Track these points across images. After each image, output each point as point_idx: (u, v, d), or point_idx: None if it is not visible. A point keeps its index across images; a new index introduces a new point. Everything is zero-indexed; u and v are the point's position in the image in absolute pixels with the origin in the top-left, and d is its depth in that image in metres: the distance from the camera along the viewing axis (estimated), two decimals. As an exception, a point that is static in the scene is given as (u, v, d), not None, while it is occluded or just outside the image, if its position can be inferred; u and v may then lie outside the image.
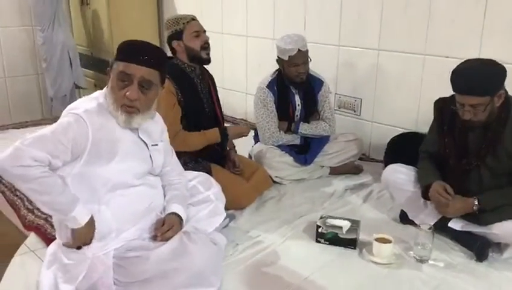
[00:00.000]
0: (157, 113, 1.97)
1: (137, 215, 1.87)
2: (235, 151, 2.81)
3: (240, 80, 4.26)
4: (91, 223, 1.74)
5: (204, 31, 2.58)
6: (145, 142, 1.89)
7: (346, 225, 2.21)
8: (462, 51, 2.79)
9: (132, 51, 1.76)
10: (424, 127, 3.05)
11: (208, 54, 2.57)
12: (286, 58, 2.83)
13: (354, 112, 3.49)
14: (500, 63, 2.04)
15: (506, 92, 2.07)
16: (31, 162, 1.60)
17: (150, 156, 1.92)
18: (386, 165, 3.11)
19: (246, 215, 2.50)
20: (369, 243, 2.15)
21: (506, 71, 2.01)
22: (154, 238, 1.85)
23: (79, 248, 1.77)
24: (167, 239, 1.80)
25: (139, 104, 1.75)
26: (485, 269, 2.04)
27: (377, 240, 2.10)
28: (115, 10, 4.55)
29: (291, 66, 2.84)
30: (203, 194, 2.17)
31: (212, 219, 2.07)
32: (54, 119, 1.83)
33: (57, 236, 1.88)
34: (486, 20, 2.70)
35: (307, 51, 2.86)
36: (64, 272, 1.77)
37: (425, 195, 2.25)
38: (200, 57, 2.53)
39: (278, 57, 2.92)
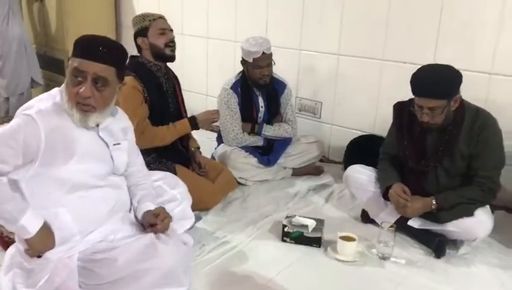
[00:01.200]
0: (120, 111, 1.91)
1: (102, 217, 1.82)
2: (200, 153, 2.80)
3: (200, 81, 4.25)
4: (45, 230, 1.66)
5: (171, 30, 2.57)
6: (105, 142, 1.82)
7: (311, 223, 2.25)
8: (418, 57, 2.91)
9: (86, 46, 1.67)
10: (381, 130, 3.17)
11: (173, 51, 2.55)
12: (250, 60, 2.86)
13: (315, 115, 3.56)
14: (455, 68, 2.16)
15: (460, 96, 2.19)
16: None
17: (112, 156, 1.86)
18: (345, 167, 3.21)
19: (211, 217, 2.50)
20: (334, 241, 2.20)
21: (461, 76, 2.13)
22: (150, 228, 1.82)
23: (39, 256, 1.70)
24: (166, 228, 1.80)
25: (94, 101, 1.67)
26: (443, 264, 2.14)
27: (342, 238, 2.16)
28: (69, 7, 4.43)
29: (256, 68, 2.87)
30: (169, 194, 2.15)
31: (183, 221, 2.05)
32: (11, 119, 1.75)
33: (16, 240, 1.80)
34: (441, 27, 2.84)
35: (271, 54, 2.90)
36: (24, 277, 1.70)
37: (386, 196, 2.34)
38: (164, 54, 2.51)
39: (242, 58, 2.94)
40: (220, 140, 3.13)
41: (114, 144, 1.86)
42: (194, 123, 2.58)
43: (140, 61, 2.52)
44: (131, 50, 2.59)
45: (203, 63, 4.21)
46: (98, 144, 1.80)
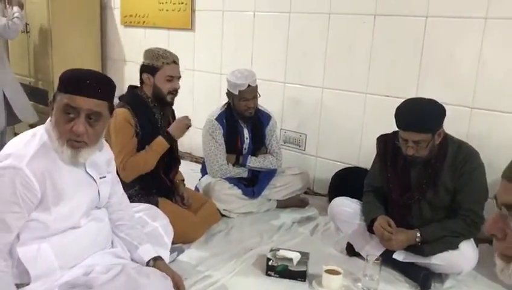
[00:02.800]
0: (104, 143, 1.88)
1: (84, 252, 1.78)
2: (184, 185, 2.77)
3: (186, 113, 4.21)
4: None
5: (179, 78, 2.55)
6: (93, 177, 1.79)
7: (296, 257, 2.22)
8: (401, 91, 2.96)
9: (77, 81, 1.61)
10: (365, 162, 3.18)
11: (173, 99, 2.54)
12: (236, 92, 2.87)
13: (299, 146, 3.57)
14: (439, 103, 2.19)
15: (444, 130, 2.21)
16: None
17: (98, 191, 1.83)
18: (330, 199, 3.20)
19: (194, 249, 2.45)
20: (319, 275, 2.17)
21: (445, 110, 2.16)
22: None
23: None
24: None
25: (87, 137, 1.63)
26: (428, 299, 2.12)
27: (327, 271, 2.13)
28: (55, 38, 4.43)
29: (241, 101, 2.88)
30: (150, 226, 2.11)
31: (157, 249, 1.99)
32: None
33: None
34: (422, 62, 2.90)
35: (256, 86, 2.92)
36: None
37: (370, 229, 2.33)
38: (164, 99, 2.50)
39: (228, 90, 2.96)
40: (204, 171, 3.11)
41: (100, 178, 1.83)
42: (169, 137, 2.50)
43: (139, 94, 2.50)
44: (117, 82, 2.60)
45: (189, 95, 4.22)
46: (86, 181, 1.77)
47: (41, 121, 1.77)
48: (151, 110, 2.50)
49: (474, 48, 2.70)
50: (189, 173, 3.32)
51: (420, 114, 2.12)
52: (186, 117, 2.59)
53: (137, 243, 1.92)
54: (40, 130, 1.70)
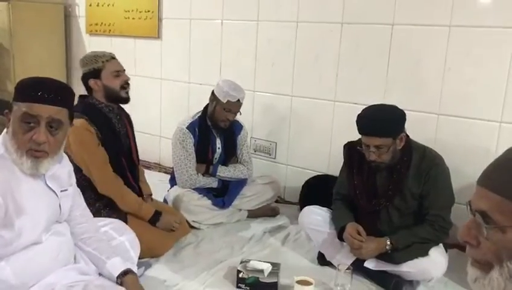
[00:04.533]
0: (64, 155, 1.81)
1: (44, 270, 1.70)
2: (152, 199, 2.69)
3: (154, 123, 4.17)
4: None
5: (124, 70, 2.49)
6: (53, 190, 1.72)
7: (267, 268, 2.19)
8: (369, 98, 2.96)
9: (36, 89, 1.56)
10: (335, 170, 3.15)
11: (127, 93, 2.48)
12: (224, 100, 2.82)
13: (270, 155, 3.55)
14: (400, 108, 2.21)
15: (407, 135, 2.23)
16: None
17: (60, 204, 1.76)
18: (301, 208, 3.18)
19: (162, 264, 2.38)
20: (290, 286, 2.14)
21: (405, 115, 2.20)
22: None
23: None
24: None
25: (48, 147, 1.58)
26: (400, 306, 2.11)
27: (298, 282, 2.09)
28: (17, 46, 4.29)
29: (225, 110, 2.84)
30: (116, 240, 2.04)
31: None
32: None
33: None
34: (389, 69, 2.92)
35: (241, 104, 2.89)
36: None
37: (340, 237, 2.31)
38: (120, 96, 2.43)
39: (213, 95, 2.89)
40: (172, 182, 3.04)
41: (61, 191, 1.76)
42: (156, 218, 2.50)
43: (91, 102, 2.42)
44: (82, 90, 2.52)
45: (157, 104, 4.16)
46: (46, 195, 1.70)
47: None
48: (107, 116, 2.43)
49: (439, 55, 2.74)
50: (157, 184, 3.26)
51: (380, 119, 2.15)
52: (180, 223, 2.62)
53: (106, 258, 1.85)
54: None
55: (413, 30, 2.81)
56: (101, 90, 2.40)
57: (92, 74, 2.40)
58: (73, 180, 1.88)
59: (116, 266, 1.84)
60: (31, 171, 1.59)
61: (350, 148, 2.42)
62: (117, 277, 1.82)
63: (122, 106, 2.57)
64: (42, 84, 1.60)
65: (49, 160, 1.61)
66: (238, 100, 2.85)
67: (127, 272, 1.84)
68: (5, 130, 1.62)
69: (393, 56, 2.91)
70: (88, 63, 2.41)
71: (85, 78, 2.42)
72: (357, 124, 2.21)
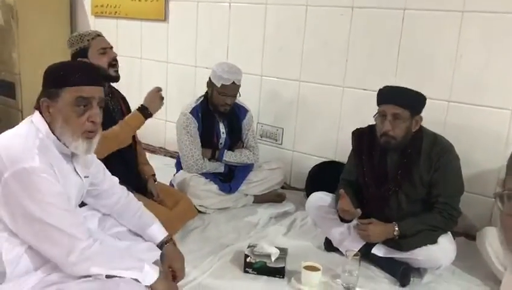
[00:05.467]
0: None
1: None
2: (155, 180, 2.67)
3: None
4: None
5: (111, 47, 2.42)
6: (79, 175, 1.73)
7: (275, 252, 2.17)
8: (378, 84, 2.92)
9: (84, 72, 1.62)
10: (343, 156, 3.14)
11: (117, 72, 2.41)
12: (218, 85, 2.79)
13: (276, 141, 3.52)
14: (422, 94, 2.21)
15: (421, 118, 2.21)
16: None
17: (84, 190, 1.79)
18: (307, 194, 3.17)
19: (169, 247, 2.36)
20: (297, 271, 2.13)
21: (426, 99, 2.19)
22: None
23: None
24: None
25: (98, 127, 1.65)
26: (408, 294, 2.10)
27: (306, 268, 2.08)
28: (22, 28, 4.24)
29: (220, 94, 2.81)
30: (125, 226, 2.02)
31: (149, 253, 1.92)
32: None
33: None
34: (400, 55, 2.88)
35: (239, 86, 2.85)
36: None
37: (341, 217, 2.30)
38: (108, 75, 2.36)
39: (209, 80, 2.87)
40: (179, 166, 3.02)
41: (85, 177, 1.78)
42: (145, 110, 2.38)
43: None
44: None
45: (162, 87, 4.10)
46: (76, 178, 1.72)
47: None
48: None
49: (451, 42, 2.70)
50: (163, 168, 3.25)
51: (403, 90, 2.20)
52: (158, 88, 2.47)
53: (147, 223, 1.93)
54: (27, 129, 1.59)
55: (425, 15, 2.76)
56: None
57: (79, 54, 2.34)
58: (94, 167, 1.88)
59: (155, 234, 1.91)
60: (85, 152, 1.63)
61: (359, 135, 2.40)
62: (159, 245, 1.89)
63: (121, 89, 2.50)
64: (86, 67, 1.72)
65: (96, 140, 1.66)
66: (233, 82, 2.81)
67: (167, 241, 1.90)
68: (31, 117, 1.62)
69: (404, 41, 2.87)
70: (74, 43, 2.35)
71: (73, 59, 2.36)
72: (378, 94, 2.24)
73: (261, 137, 3.55)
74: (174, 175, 3.02)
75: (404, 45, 2.87)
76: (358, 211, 2.19)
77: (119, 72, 2.45)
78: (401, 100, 2.14)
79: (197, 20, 3.79)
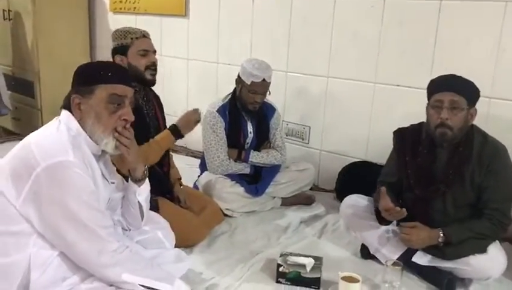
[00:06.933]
0: None
1: None
2: (181, 184, 2.55)
3: (180, 104, 4.02)
4: None
5: (154, 52, 2.33)
6: (106, 178, 1.68)
7: (309, 262, 2.04)
8: (413, 80, 2.79)
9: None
10: (374, 156, 3.02)
11: (153, 76, 2.31)
12: (248, 82, 2.66)
13: (303, 140, 3.38)
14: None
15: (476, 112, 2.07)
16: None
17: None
18: (337, 195, 3.04)
19: (196, 254, 2.24)
20: (333, 281, 1.99)
21: (480, 92, 2.05)
22: None
23: None
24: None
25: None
26: (454, 306, 1.95)
27: (344, 278, 1.94)
28: (41, 26, 4.16)
29: (250, 92, 2.68)
30: (149, 233, 1.92)
31: (179, 264, 1.82)
32: None
33: None
34: (436, 49, 2.72)
35: (269, 83, 2.72)
36: None
37: (380, 219, 2.15)
38: (144, 77, 2.26)
39: (238, 76, 2.75)
40: (203, 167, 2.91)
41: (111, 182, 1.72)
42: (177, 132, 2.30)
43: None
44: None
45: (183, 85, 4.01)
46: (105, 183, 1.67)
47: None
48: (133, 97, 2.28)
49: (493, 34, 2.52)
50: (185, 169, 3.13)
51: (460, 77, 2.05)
52: (196, 111, 2.40)
53: None
54: (58, 125, 1.55)
55: (464, 6, 2.59)
56: (126, 68, 2.25)
57: (119, 50, 2.26)
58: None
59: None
60: (114, 151, 1.61)
61: (401, 135, 2.25)
62: None
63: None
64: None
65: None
66: (264, 80, 2.68)
67: None
68: (60, 115, 1.58)
69: (440, 34, 2.70)
70: (117, 38, 2.27)
71: (113, 54, 2.29)
72: (431, 84, 2.11)
73: (287, 136, 3.42)
74: (199, 177, 2.90)
75: (441, 37, 2.70)
76: (404, 210, 2.03)
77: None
78: (458, 87, 2.01)
79: (219, 14, 3.66)
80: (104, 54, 4.61)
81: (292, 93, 3.37)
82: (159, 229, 1.94)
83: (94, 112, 1.55)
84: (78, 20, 4.48)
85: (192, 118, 2.35)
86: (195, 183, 2.90)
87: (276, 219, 2.72)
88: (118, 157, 1.75)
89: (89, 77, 1.57)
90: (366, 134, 3.08)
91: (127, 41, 2.24)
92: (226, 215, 2.67)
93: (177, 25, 3.93)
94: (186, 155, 3.86)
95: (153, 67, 2.30)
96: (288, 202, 2.91)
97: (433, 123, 2.05)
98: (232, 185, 2.74)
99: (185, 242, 2.20)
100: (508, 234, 2.42)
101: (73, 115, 1.56)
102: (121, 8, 4.30)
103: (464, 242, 2.01)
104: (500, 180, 2.01)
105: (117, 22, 4.36)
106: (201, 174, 2.90)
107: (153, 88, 2.45)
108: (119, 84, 1.58)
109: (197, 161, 3.12)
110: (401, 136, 2.24)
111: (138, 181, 1.74)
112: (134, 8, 4.18)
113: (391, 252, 2.17)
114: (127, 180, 1.80)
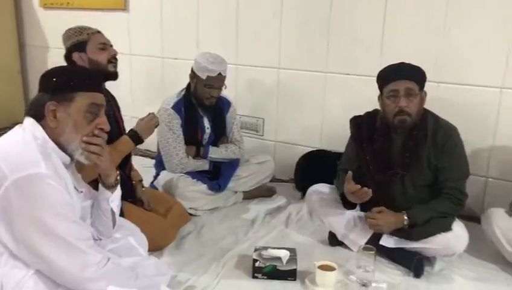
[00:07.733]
0: None
1: None
2: (143, 186, 2.46)
3: (125, 103, 3.83)
4: None
5: (111, 45, 2.23)
6: (76, 189, 1.57)
7: (285, 255, 2.05)
8: (364, 69, 2.86)
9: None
10: (328, 144, 3.08)
11: (115, 68, 2.23)
12: (203, 77, 2.60)
13: (257, 132, 3.37)
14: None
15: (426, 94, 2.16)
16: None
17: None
18: (297, 185, 3.07)
19: (167, 257, 2.17)
20: (308, 271, 2.01)
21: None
22: None
23: None
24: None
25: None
26: (425, 284, 2.05)
27: (320, 267, 1.96)
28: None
29: (206, 87, 2.62)
30: (121, 241, 1.83)
31: (160, 278, 1.74)
32: None
33: None
34: (384, 37, 2.79)
35: (225, 77, 2.67)
36: None
37: (345, 203, 2.21)
38: (107, 71, 2.17)
39: (192, 72, 2.67)
40: (159, 167, 2.82)
41: (80, 191, 1.61)
42: (137, 138, 2.23)
43: None
44: (40, 71, 2.21)
45: (127, 82, 3.85)
46: (76, 192, 1.57)
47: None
48: None
49: (438, 17, 2.63)
50: (140, 170, 3.00)
51: (408, 64, 2.14)
52: (154, 115, 2.34)
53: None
54: (21, 135, 1.44)
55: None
56: (86, 64, 2.13)
57: (76, 47, 2.14)
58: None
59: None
60: (88, 160, 1.52)
61: (358, 123, 2.30)
62: None
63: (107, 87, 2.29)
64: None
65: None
66: (220, 74, 2.64)
67: None
68: (24, 124, 1.47)
69: (388, 22, 2.78)
70: (72, 36, 2.15)
71: (68, 53, 2.16)
72: (382, 74, 2.17)
73: (241, 129, 3.38)
74: (155, 177, 2.81)
75: (389, 26, 2.78)
76: (370, 191, 2.07)
77: None
78: (410, 74, 2.09)
79: (162, 7, 3.55)
80: (36, 52, 4.33)
81: (244, 86, 3.35)
82: (130, 236, 1.85)
83: (72, 120, 1.46)
84: (3, 16, 4.15)
85: (152, 122, 2.29)
86: (152, 183, 2.81)
87: (241, 214, 2.70)
88: (80, 165, 1.64)
89: (67, 82, 1.47)
90: (320, 123, 3.13)
91: (84, 37, 2.14)
92: (190, 214, 2.60)
93: (117, 20, 3.76)
94: (136, 155, 3.71)
95: (114, 60, 2.23)
96: (250, 195, 2.90)
97: (390, 112, 2.12)
98: (194, 183, 2.68)
99: (153, 246, 2.12)
100: (463, 211, 2.56)
101: (40, 122, 1.45)
102: (52, 3, 4.04)
103: (429, 222, 2.10)
104: (454, 160, 2.13)
105: (49, 18, 4.11)
106: (157, 174, 2.81)
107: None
108: (98, 93, 1.51)
109: (150, 161, 3.02)
110: (358, 124, 2.30)
111: (111, 187, 1.64)
112: (68, 2, 3.94)
113: (359, 237, 2.24)
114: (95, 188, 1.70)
